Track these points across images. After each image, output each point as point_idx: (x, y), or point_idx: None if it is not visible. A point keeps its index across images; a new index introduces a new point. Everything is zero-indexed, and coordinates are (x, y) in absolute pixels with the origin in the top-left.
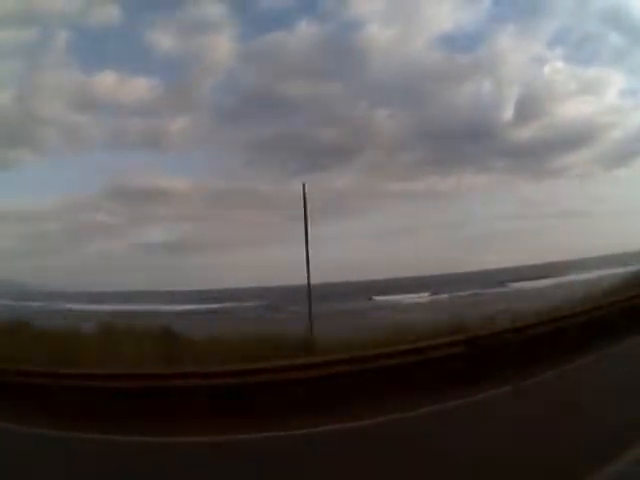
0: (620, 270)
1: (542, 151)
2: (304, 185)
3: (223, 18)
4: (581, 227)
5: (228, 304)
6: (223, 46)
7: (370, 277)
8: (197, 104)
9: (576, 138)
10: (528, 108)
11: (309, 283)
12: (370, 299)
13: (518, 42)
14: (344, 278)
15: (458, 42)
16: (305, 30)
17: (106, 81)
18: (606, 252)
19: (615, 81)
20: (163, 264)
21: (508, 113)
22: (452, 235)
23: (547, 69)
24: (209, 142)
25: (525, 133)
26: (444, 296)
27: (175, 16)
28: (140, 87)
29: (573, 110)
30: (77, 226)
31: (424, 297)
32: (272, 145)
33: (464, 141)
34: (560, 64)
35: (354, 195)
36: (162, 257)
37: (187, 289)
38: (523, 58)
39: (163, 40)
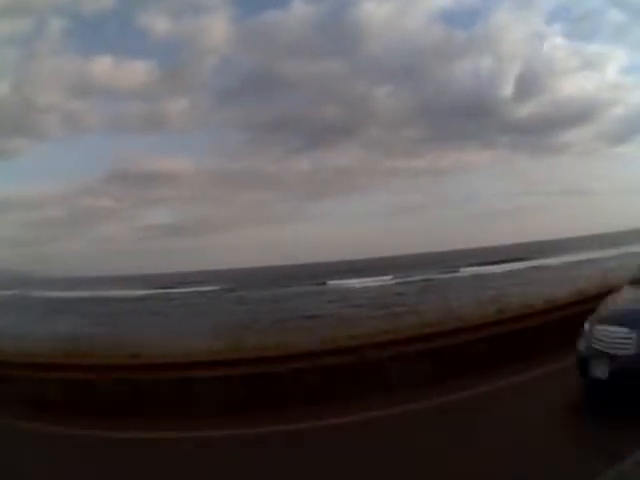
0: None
1: (543, 127)
2: None
3: None
4: (583, 204)
5: (185, 289)
6: (219, 27)
7: (362, 256)
8: (196, 85)
9: (577, 114)
10: (528, 84)
11: None
12: (323, 283)
13: (517, 18)
14: (335, 257)
15: (457, 18)
16: (301, 9)
17: (103, 66)
18: (607, 230)
19: (616, 57)
20: (164, 247)
21: (508, 89)
22: (454, 213)
23: (547, 45)
24: (209, 123)
25: (526, 109)
26: (398, 281)
27: None
28: (137, 70)
29: (574, 86)
30: (80, 212)
31: (381, 281)
32: (273, 124)
33: (465, 117)
34: (560, 40)
35: (356, 172)
36: (164, 240)
37: (178, 271)
38: (523, 34)
39: (158, 23)
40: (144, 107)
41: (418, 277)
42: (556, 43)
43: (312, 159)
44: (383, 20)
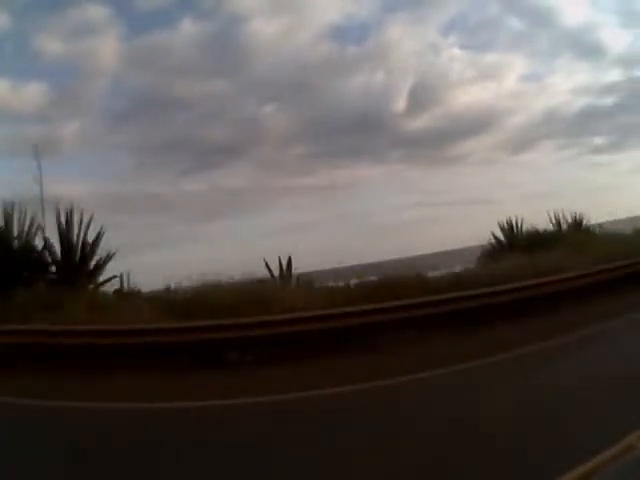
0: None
1: (439, 139)
2: None
3: (107, 19)
4: (486, 213)
5: None
6: (109, 48)
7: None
8: (88, 108)
9: (475, 125)
10: (422, 97)
11: None
12: None
13: (410, 31)
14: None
15: (348, 33)
16: (189, 27)
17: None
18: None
19: (516, 65)
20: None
21: (402, 103)
22: (348, 228)
23: (442, 57)
24: (102, 146)
25: (420, 122)
26: None
27: (61, 19)
28: (33, 93)
29: (472, 97)
30: None
31: None
32: (163, 146)
33: (357, 133)
34: (456, 51)
35: (249, 192)
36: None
37: None
38: (416, 47)
39: (52, 44)
40: (40, 130)
41: None
42: (452, 54)
43: (204, 180)
44: (271, 38)
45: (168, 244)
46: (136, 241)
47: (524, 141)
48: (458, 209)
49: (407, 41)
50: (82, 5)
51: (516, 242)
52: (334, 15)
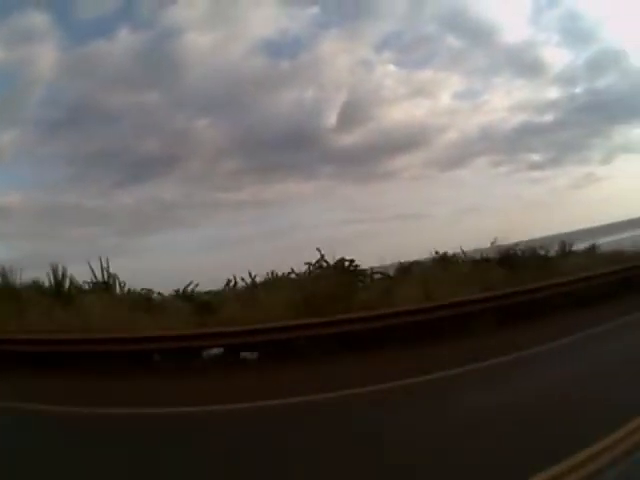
0: None
1: (369, 155)
2: None
3: (47, 27)
4: (420, 228)
5: None
6: (48, 56)
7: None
8: (25, 116)
9: (407, 141)
10: (354, 113)
11: None
12: None
13: (344, 47)
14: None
15: (282, 48)
16: (126, 38)
17: None
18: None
19: (451, 83)
20: None
21: (334, 118)
22: (278, 243)
23: (376, 73)
24: (38, 156)
25: (350, 138)
26: None
27: (2, 25)
28: None
29: (404, 113)
30: None
31: None
32: (96, 157)
33: (287, 148)
34: (391, 68)
35: (179, 206)
36: None
37: None
38: (350, 63)
39: None
40: None
41: None
42: (386, 70)
43: (135, 193)
44: (205, 51)
45: (96, 257)
46: (68, 253)
47: (458, 157)
48: (389, 225)
49: (340, 57)
50: (23, 12)
51: None
52: (268, 30)
